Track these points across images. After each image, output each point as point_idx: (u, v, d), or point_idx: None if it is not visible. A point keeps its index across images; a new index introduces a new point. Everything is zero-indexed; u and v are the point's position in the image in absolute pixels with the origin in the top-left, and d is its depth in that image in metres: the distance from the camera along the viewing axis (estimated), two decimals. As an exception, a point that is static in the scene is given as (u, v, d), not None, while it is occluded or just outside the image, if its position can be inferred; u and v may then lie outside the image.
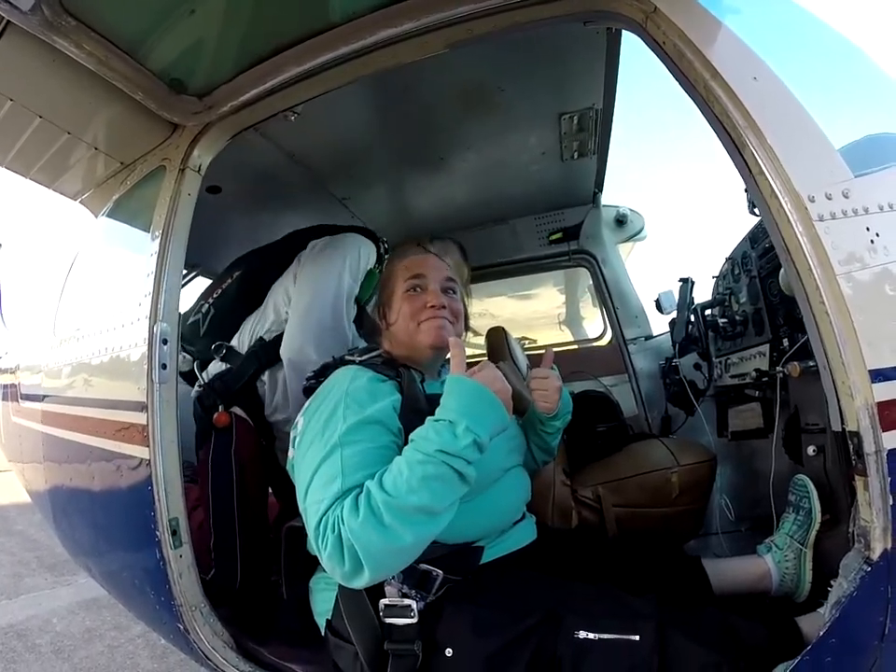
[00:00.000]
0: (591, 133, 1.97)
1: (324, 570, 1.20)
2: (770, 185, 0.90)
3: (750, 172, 0.93)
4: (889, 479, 0.82)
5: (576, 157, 2.14)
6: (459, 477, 0.95)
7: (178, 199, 1.46)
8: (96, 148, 1.72)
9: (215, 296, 1.91)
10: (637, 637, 0.97)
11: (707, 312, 2.10)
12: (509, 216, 2.79)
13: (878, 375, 0.82)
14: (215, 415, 1.73)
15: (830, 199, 0.88)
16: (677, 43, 1.03)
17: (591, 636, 0.99)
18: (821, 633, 0.87)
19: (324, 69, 1.35)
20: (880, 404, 0.81)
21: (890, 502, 0.82)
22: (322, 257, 1.80)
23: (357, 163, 2.09)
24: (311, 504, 1.01)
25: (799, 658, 0.88)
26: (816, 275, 0.87)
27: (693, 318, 2.14)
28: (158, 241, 1.43)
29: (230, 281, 1.92)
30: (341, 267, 1.78)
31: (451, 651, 1.03)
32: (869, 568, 0.85)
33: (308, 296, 1.75)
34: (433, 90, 1.71)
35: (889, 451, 0.81)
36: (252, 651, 1.36)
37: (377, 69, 1.33)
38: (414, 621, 1.05)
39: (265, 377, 1.80)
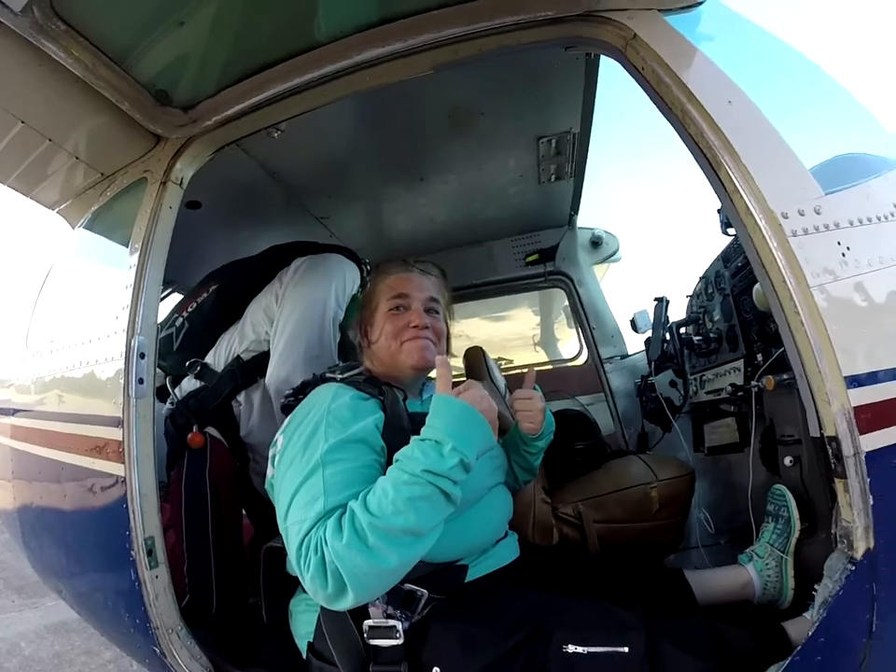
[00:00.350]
0: (568, 156, 2.03)
1: (304, 592, 1.15)
2: (745, 203, 0.94)
3: (726, 191, 0.97)
4: (868, 479, 0.84)
5: (553, 179, 2.20)
6: (445, 497, 0.93)
7: (159, 211, 1.44)
8: (77, 158, 1.67)
9: (189, 310, 1.85)
10: (627, 649, 0.96)
11: (682, 330, 2.14)
12: (486, 237, 2.84)
13: (853, 381, 0.85)
14: (189, 435, 1.66)
15: (802, 215, 0.91)
16: (655, 68, 1.08)
17: (579, 649, 0.97)
18: (810, 633, 0.88)
19: (309, 87, 1.36)
20: (856, 409, 0.83)
21: (871, 502, 0.84)
22: (307, 280, 1.76)
23: (337, 182, 2.09)
24: (292, 524, 0.97)
25: (790, 659, 0.88)
26: (790, 288, 0.90)
27: (668, 336, 2.17)
28: (137, 253, 1.39)
29: (205, 295, 1.86)
30: (326, 293, 1.75)
31: (438, 670, 0.99)
32: (853, 568, 0.87)
33: (293, 323, 1.71)
34: (415, 111, 1.73)
35: (867, 453, 0.84)
36: None
37: (362, 88, 1.34)
38: (400, 642, 1.01)
39: (241, 398, 1.75)
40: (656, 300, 2.22)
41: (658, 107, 1.10)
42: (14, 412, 1.87)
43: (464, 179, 2.15)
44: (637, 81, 1.15)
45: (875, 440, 0.84)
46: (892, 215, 1.02)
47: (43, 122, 1.51)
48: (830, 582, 0.89)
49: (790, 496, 1.30)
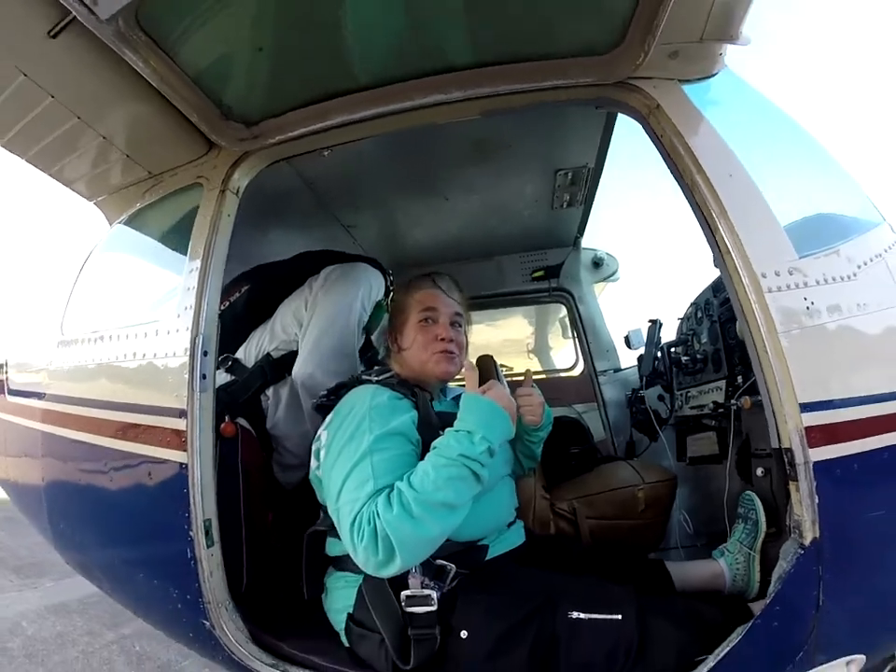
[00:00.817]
0: (581, 186, 2.33)
1: (341, 570, 1.42)
2: (734, 262, 1.22)
3: (720, 250, 1.25)
4: (815, 483, 1.12)
5: (564, 206, 2.51)
6: (475, 477, 1.20)
7: (219, 219, 1.62)
8: (127, 155, 1.83)
9: (222, 308, 2.07)
10: (620, 617, 1.23)
11: (672, 350, 2.46)
12: (496, 252, 3.14)
13: (806, 407, 1.13)
14: (221, 425, 1.88)
15: (778, 275, 1.20)
16: (672, 138, 1.36)
17: (582, 616, 1.24)
18: (767, 602, 1.16)
19: (368, 119, 1.57)
20: (807, 428, 1.12)
21: (817, 500, 1.12)
22: (337, 286, 1.99)
23: (367, 196, 2.34)
24: (344, 504, 1.23)
25: (751, 622, 1.16)
26: (763, 333, 1.19)
27: (659, 355, 2.50)
28: (199, 259, 1.57)
29: (237, 294, 2.09)
30: (354, 299, 1.98)
31: (465, 633, 1.26)
32: (802, 552, 1.15)
33: (322, 324, 1.93)
34: (446, 139, 1.98)
35: (815, 463, 1.12)
36: (271, 644, 1.50)
37: (415, 125, 1.58)
38: (434, 608, 1.27)
39: (269, 392, 1.96)
40: (650, 321, 2.55)
41: (671, 171, 1.39)
42: (44, 396, 2.02)
43: (483, 201, 2.43)
44: (656, 146, 1.43)
45: (821, 453, 1.13)
46: (854, 275, 1.33)
47: (98, 119, 1.66)
48: (784, 563, 1.18)
49: (758, 501, 1.58)
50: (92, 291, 2.09)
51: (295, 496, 1.89)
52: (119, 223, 2.07)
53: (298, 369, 1.92)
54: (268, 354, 2.01)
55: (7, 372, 2.45)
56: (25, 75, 1.44)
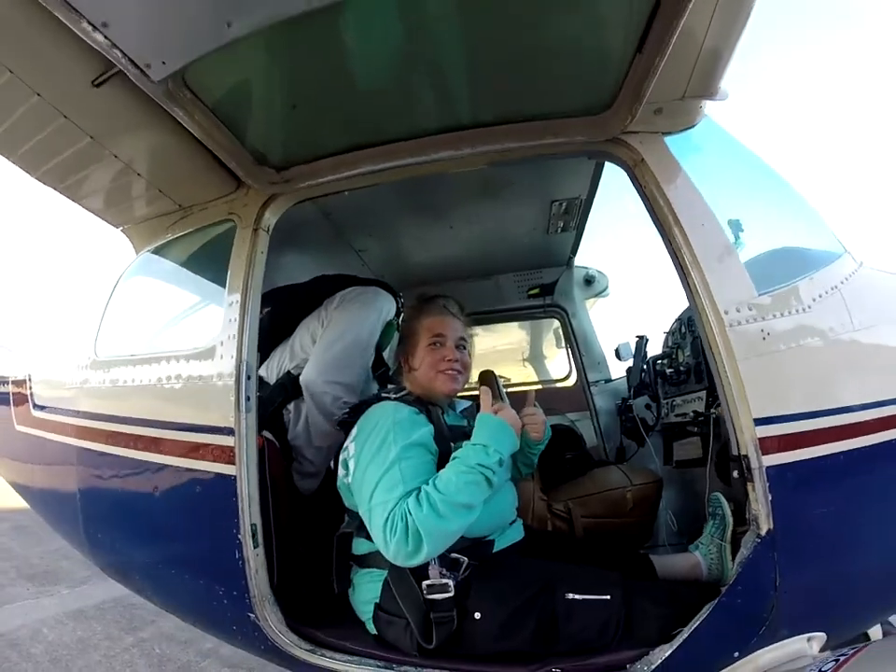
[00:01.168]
0: (574, 215, 2.64)
1: (367, 567, 1.72)
2: (702, 301, 1.52)
3: (691, 291, 1.55)
4: (768, 484, 1.42)
5: (559, 231, 2.81)
6: (488, 483, 1.50)
7: (254, 256, 1.87)
8: (160, 190, 2.06)
9: None
10: (609, 597, 1.54)
11: (658, 362, 2.78)
12: (494, 271, 3.48)
13: (759, 421, 1.43)
14: None
15: (738, 311, 1.50)
16: (654, 190, 1.64)
17: (577, 597, 1.54)
18: (731, 581, 1.46)
19: (387, 170, 1.83)
20: (760, 439, 1.42)
21: (769, 498, 1.42)
22: (352, 306, 2.27)
23: (380, 225, 2.62)
24: (377, 504, 1.51)
25: (717, 599, 1.46)
26: (724, 360, 1.48)
27: (646, 367, 2.81)
28: (239, 292, 1.82)
29: (259, 316, 2.36)
30: (365, 318, 2.26)
31: (479, 614, 1.56)
32: (759, 540, 1.44)
33: (331, 336, 2.21)
34: (456, 179, 2.24)
35: (767, 467, 1.42)
36: (308, 633, 1.75)
37: (429, 174, 1.86)
38: (451, 595, 1.57)
39: (290, 406, 2.24)
40: (638, 336, 2.87)
41: (651, 218, 1.68)
42: (80, 413, 2.23)
43: (484, 228, 2.74)
44: (639, 194, 1.71)
45: (773, 459, 1.43)
46: (808, 308, 1.60)
47: (133, 157, 1.88)
48: (745, 549, 1.47)
49: (723, 499, 1.85)
50: (126, 315, 2.33)
51: (312, 501, 2.17)
52: (148, 251, 2.32)
53: (304, 374, 2.19)
54: (288, 371, 2.28)
55: (31, 388, 2.67)
56: (65, 117, 1.64)
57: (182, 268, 2.31)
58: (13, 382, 2.79)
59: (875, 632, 1.89)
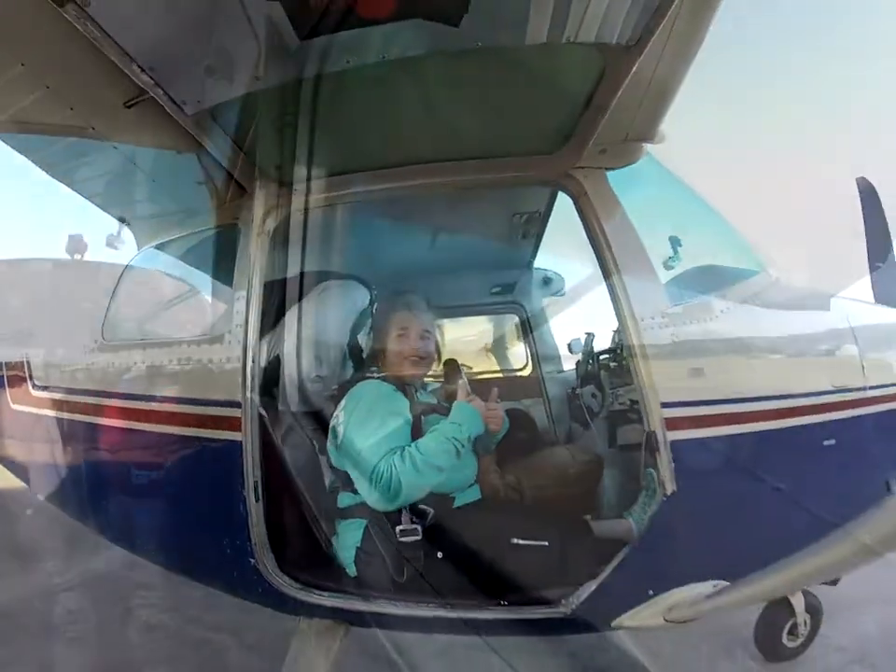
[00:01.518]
0: (534, 225, 3.06)
1: (350, 518, 2.10)
2: (625, 311, 1.92)
3: (617, 303, 1.96)
4: (671, 454, 1.82)
5: (520, 238, 3.23)
6: (457, 453, 1.93)
7: (257, 258, 2.17)
8: (170, 193, 2.37)
9: None
10: (547, 543, 1.96)
11: (601, 357, 3.25)
12: (462, 271, 3.87)
13: (664, 405, 1.84)
14: None
15: (653, 319, 1.91)
16: (593, 221, 2.03)
17: (521, 542, 1.94)
18: (641, 533, 1.92)
19: (374, 190, 2.21)
20: (665, 419, 1.84)
21: (671, 465, 1.82)
22: (328, 298, 2.61)
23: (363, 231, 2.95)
24: (366, 458, 1.90)
25: (629, 546, 1.87)
26: (639, 357, 1.90)
27: (591, 361, 3.28)
28: (244, 290, 2.13)
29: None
30: (341, 308, 2.64)
31: (441, 553, 1.96)
32: (665, 499, 1.85)
33: (312, 322, 2.53)
34: (430, 194, 2.57)
35: (670, 441, 1.83)
36: (297, 576, 2.08)
37: (411, 195, 2.25)
38: (419, 538, 1.96)
39: None
40: (587, 333, 3.33)
41: (590, 243, 2.08)
42: (89, 391, 2.47)
43: (456, 238, 3.14)
44: (581, 221, 2.10)
45: (674, 435, 1.84)
46: (715, 317, 2.00)
47: (150, 166, 2.20)
48: (654, 506, 1.91)
49: (653, 472, 2.26)
50: (133, 304, 2.61)
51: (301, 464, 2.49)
52: (152, 247, 2.61)
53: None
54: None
55: (29, 369, 2.89)
56: (93, 128, 1.89)
57: (190, 265, 2.62)
58: (8, 365, 2.97)
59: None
